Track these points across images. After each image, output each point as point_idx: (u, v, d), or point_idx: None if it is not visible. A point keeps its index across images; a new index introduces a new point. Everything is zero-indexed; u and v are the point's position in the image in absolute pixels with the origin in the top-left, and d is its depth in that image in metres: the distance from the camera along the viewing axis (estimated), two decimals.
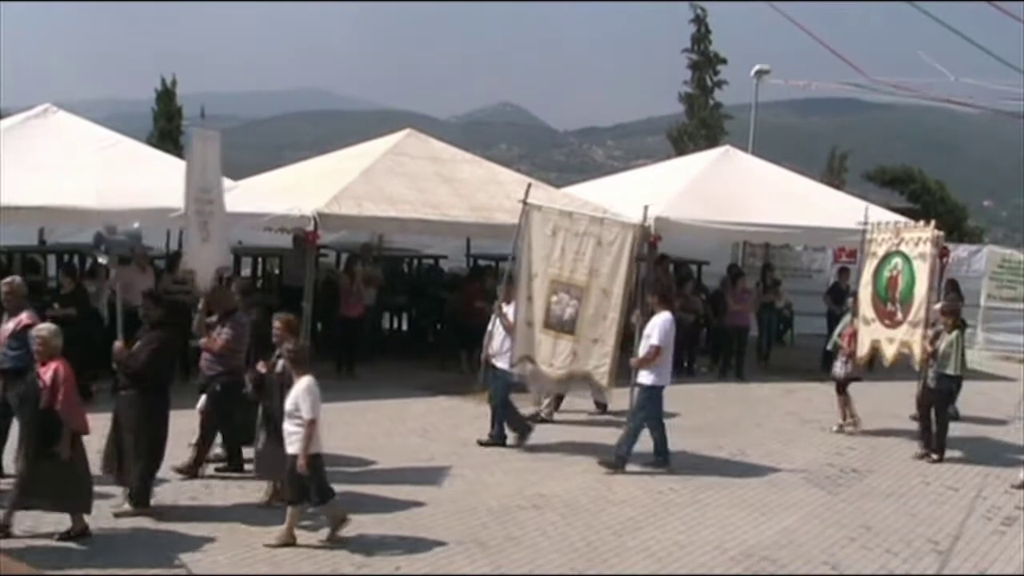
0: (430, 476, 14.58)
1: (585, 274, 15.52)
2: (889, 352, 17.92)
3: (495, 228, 21.63)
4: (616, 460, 15.32)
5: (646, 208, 17.44)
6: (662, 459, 15.58)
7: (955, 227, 42.68)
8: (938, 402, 17.18)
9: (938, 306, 18.16)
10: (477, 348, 21.65)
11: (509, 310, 16.24)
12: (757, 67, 37.46)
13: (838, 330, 19.30)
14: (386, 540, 11.87)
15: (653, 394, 15.49)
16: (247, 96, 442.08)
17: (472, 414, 18.01)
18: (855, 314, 18.75)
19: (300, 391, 11.56)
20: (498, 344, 16.47)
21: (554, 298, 15.66)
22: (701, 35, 52.90)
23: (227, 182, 19.58)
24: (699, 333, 24.61)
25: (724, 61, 52.98)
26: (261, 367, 12.90)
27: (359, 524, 12.17)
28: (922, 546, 12.73)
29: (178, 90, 44.58)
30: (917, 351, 17.28)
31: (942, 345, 16.97)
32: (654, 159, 45.60)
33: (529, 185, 16.85)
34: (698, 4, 52.34)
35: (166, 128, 43.22)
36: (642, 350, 15.36)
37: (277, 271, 25.03)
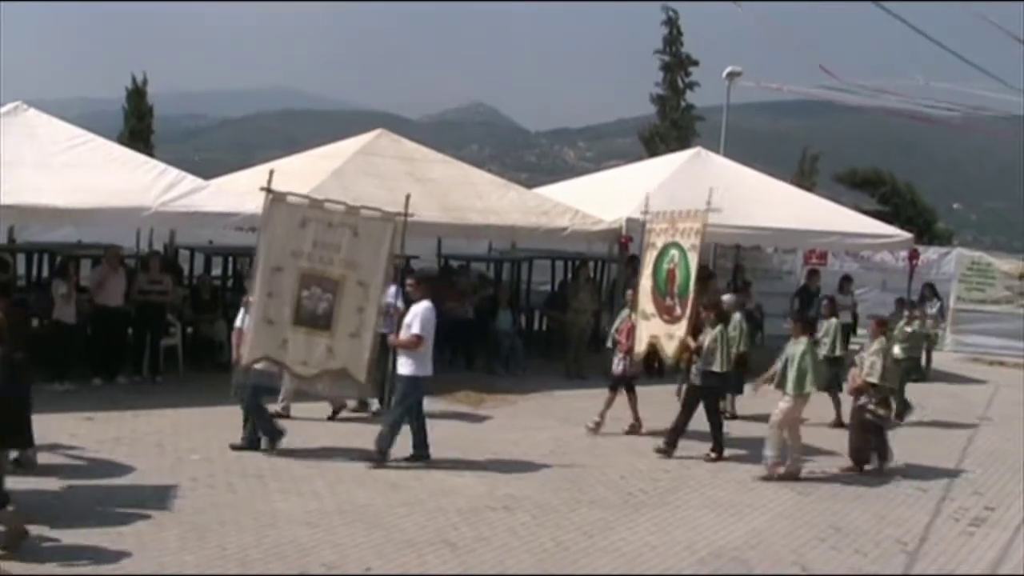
0: (400, 477, 14.56)
1: (340, 267, 14.96)
2: (669, 349, 17.12)
3: (466, 228, 21.68)
4: (377, 455, 15.08)
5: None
6: (420, 454, 15.28)
7: (925, 230, 42.94)
8: (707, 400, 16.70)
9: (727, 297, 18.16)
10: (449, 347, 21.74)
11: None
12: (729, 69, 37.56)
13: (615, 325, 18.52)
14: (356, 540, 11.85)
15: (414, 385, 15.21)
16: (219, 95, 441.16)
17: (443, 414, 17.97)
18: (633, 308, 18.10)
19: None
20: None
21: (305, 292, 14.88)
22: (673, 37, 52.94)
23: (199, 181, 19.62)
24: None
25: (696, 63, 53.03)
26: None
27: (330, 524, 12.20)
28: (891, 547, 12.78)
29: (149, 89, 44.37)
30: (671, 346, 16.97)
31: (706, 340, 16.49)
32: (625, 160, 45.61)
33: (272, 172, 15.66)
34: (670, 6, 52.42)
35: (137, 127, 43.05)
36: (402, 336, 15.14)
37: (248, 270, 24.97)
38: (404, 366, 15.14)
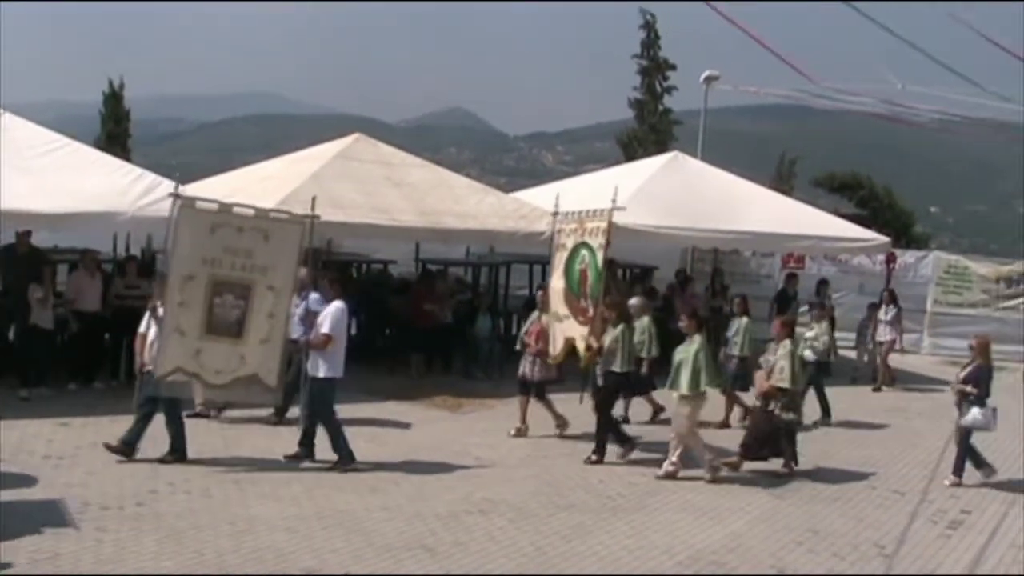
0: (377, 481, 14.55)
1: (251, 271, 14.68)
2: (583, 350, 16.92)
3: (444, 232, 21.65)
4: (344, 460, 15.03)
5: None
6: (345, 456, 15.12)
7: (902, 233, 42.99)
8: (603, 398, 16.62)
9: (634, 300, 18.05)
10: (426, 352, 21.73)
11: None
12: (707, 73, 37.60)
13: (525, 327, 18.38)
14: (334, 545, 11.83)
15: (327, 387, 15.16)
16: (196, 99, 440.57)
17: (422, 418, 17.98)
18: (544, 310, 17.96)
19: None
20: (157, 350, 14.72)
21: (217, 300, 14.53)
22: (651, 41, 52.94)
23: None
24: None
25: (674, 67, 53.02)
26: None
27: (309, 529, 12.18)
28: (868, 550, 12.81)
29: (126, 93, 44.20)
30: (581, 346, 16.81)
31: (608, 340, 16.40)
32: (604, 164, 45.59)
33: (177, 175, 15.38)
34: (647, 8, 52.44)
35: (114, 131, 42.87)
36: (312, 335, 15.10)
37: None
38: (317, 368, 15.07)
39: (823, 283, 26.31)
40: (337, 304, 15.24)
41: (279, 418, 17.17)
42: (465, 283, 26.17)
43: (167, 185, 19.15)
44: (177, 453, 14.73)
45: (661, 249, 27.60)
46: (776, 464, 16.12)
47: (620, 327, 16.52)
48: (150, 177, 19.21)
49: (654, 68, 52.89)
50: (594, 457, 16.24)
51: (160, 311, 14.60)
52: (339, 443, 15.15)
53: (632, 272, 27.22)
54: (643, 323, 17.94)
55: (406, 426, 17.85)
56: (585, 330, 16.89)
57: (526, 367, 17.82)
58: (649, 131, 51.47)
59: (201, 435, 15.87)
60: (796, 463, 16.28)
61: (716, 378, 16.17)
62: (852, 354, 25.66)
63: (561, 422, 17.82)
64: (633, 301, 18.25)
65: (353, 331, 25.98)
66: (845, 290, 29.94)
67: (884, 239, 27.27)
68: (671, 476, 15.53)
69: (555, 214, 18.62)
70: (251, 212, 15.00)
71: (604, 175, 31.50)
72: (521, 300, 26.31)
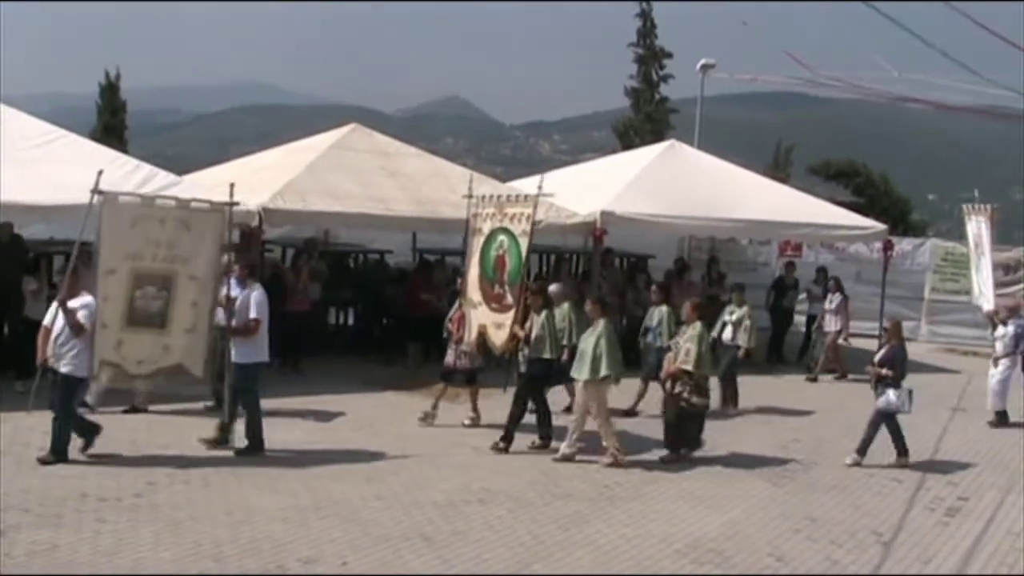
0: (375, 471, 14.56)
1: (172, 262, 14.48)
2: (498, 339, 16.63)
3: (441, 222, 21.63)
4: (252, 447, 15.02)
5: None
6: (254, 444, 15.12)
7: (899, 220, 43.06)
8: (532, 388, 16.39)
9: (554, 287, 17.85)
10: (423, 342, 21.71)
11: (76, 304, 14.18)
12: (703, 61, 37.67)
13: (449, 315, 18.17)
14: (332, 535, 11.83)
15: (251, 372, 15.14)
16: (192, 90, 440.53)
17: (418, 409, 17.94)
18: (463, 297, 17.70)
19: None
20: (64, 344, 14.17)
21: (138, 292, 14.32)
22: (647, 29, 53.02)
23: (172, 176, 19.53)
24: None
25: (670, 55, 53.11)
26: None
27: (306, 519, 12.19)
28: (866, 537, 12.81)
29: (123, 84, 44.18)
30: (495, 335, 16.62)
31: (534, 328, 16.21)
32: (600, 153, 45.66)
33: (100, 172, 14.67)
34: None
35: (110, 122, 42.88)
36: (237, 321, 14.96)
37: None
38: (240, 354, 15.01)
39: (822, 270, 26.31)
40: (258, 288, 15.23)
41: (218, 406, 16.75)
42: (462, 273, 26.16)
43: (164, 176, 19.19)
44: (58, 455, 14.15)
45: (658, 238, 27.63)
46: (773, 456, 16.14)
47: (544, 313, 16.31)
48: (146, 168, 19.21)
49: (650, 57, 52.98)
50: (501, 444, 16.06)
51: (71, 304, 14.13)
52: (255, 430, 15.16)
53: (629, 261, 27.21)
54: (563, 310, 17.45)
55: (403, 416, 17.83)
56: (497, 317, 16.67)
57: (450, 355, 17.71)
58: (645, 120, 51.56)
59: (196, 428, 15.86)
60: (700, 446, 16.18)
61: (617, 365, 15.65)
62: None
63: (476, 416, 17.66)
64: (553, 287, 18.07)
65: (350, 321, 26.20)
66: (842, 278, 29.87)
67: (881, 227, 27.26)
68: (568, 459, 15.45)
69: (469, 198, 18.08)
70: (172, 203, 14.82)
71: (600, 164, 31.57)
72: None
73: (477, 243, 17.43)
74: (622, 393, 17.38)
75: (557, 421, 16.66)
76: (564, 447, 15.64)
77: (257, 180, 21.70)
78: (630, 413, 18.59)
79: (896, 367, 16.02)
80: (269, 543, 11.47)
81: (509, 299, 16.50)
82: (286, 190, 20.48)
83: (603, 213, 23.06)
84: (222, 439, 15.21)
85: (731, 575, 11.44)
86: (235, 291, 15.15)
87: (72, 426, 14.35)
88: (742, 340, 19.69)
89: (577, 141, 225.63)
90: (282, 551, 11.26)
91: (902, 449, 16.22)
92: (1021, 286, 30.11)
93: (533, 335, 16.18)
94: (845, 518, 13.53)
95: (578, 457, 15.56)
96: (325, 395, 18.92)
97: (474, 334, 17.16)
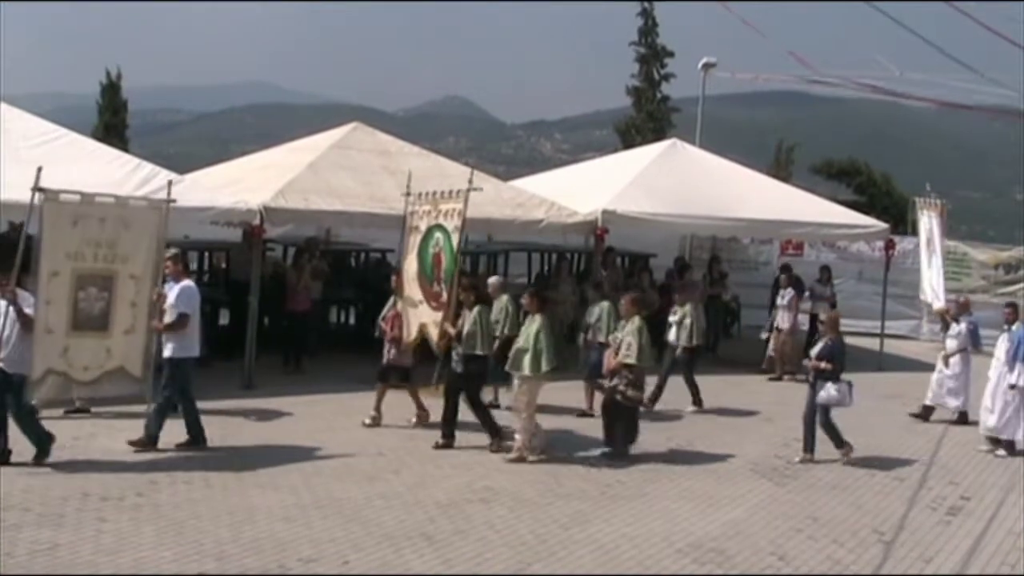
0: (377, 469, 14.56)
1: (113, 262, 14.26)
2: (436, 336, 16.37)
3: None
4: (146, 439, 14.83)
5: None
6: (196, 437, 15.07)
7: (901, 219, 42.96)
8: (469, 388, 16.14)
9: (492, 279, 17.90)
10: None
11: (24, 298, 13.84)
12: (704, 60, 37.62)
13: (383, 313, 17.83)
14: (333, 534, 11.83)
15: (181, 367, 14.96)
16: (194, 90, 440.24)
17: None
18: (399, 295, 17.35)
19: None
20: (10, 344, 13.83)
21: (81, 294, 14.04)
22: (648, 28, 52.96)
23: (174, 175, 19.51)
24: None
25: (671, 54, 53.05)
26: None
27: (308, 518, 12.19)
28: (868, 536, 12.81)
29: (124, 83, 44.13)
30: (433, 332, 16.33)
31: (466, 325, 15.90)
32: (602, 152, 45.67)
33: (39, 169, 14.22)
34: None
35: (111, 121, 42.83)
36: (168, 318, 14.77)
37: (224, 265, 24.88)
38: (169, 349, 14.86)
39: (825, 270, 26.31)
40: (185, 282, 15.07)
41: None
42: (464, 271, 26.14)
43: (165, 175, 19.16)
44: (41, 451, 14.08)
45: (659, 237, 27.66)
46: (775, 454, 16.14)
47: (476, 309, 16.06)
48: (148, 167, 19.20)
49: (652, 56, 52.92)
50: (493, 445, 15.96)
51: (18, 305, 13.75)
52: (194, 424, 15.11)
53: (630, 260, 27.23)
54: (501, 302, 17.46)
55: (404, 415, 17.81)
56: (436, 315, 16.44)
57: (385, 354, 17.46)
58: (647, 119, 51.50)
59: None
60: (633, 442, 16.10)
61: (555, 359, 15.56)
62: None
63: (423, 413, 17.44)
64: (492, 280, 17.97)
65: (352, 320, 26.22)
66: (844, 277, 29.93)
67: (883, 225, 27.25)
68: (521, 460, 15.38)
69: (407, 195, 17.81)
70: (111, 200, 14.60)
71: (602, 163, 31.57)
72: (519, 288, 26.30)
73: (414, 240, 17.22)
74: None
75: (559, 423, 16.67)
76: (519, 446, 15.56)
77: (259, 179, 21.71)
78: (586, 414, 18.27)
79: (835, 360, 15.99)
80: (271, 542, 11.48)
81: (445, 296, 16.33)
82: (288, 189, 20.47)
83: (604, 212, 23.06)
84: (197, 438, 15.16)
85: (733, 574, 11.44)
86: (168, 287, 15.01)
87: (28, 429, 14.13)
88: (683, 340, 19.53)
89: (579, 140, 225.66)
90: (284, 550, 11.26)
91: (810, 445, 16.24)
92: (1021, 285, 30.13)
93: (464, 331, 15.91)
94: (847, 517, 13.53)
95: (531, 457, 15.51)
96: (327, 393, 18.94)
97: (414, 332, 16.95)
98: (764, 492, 14.55)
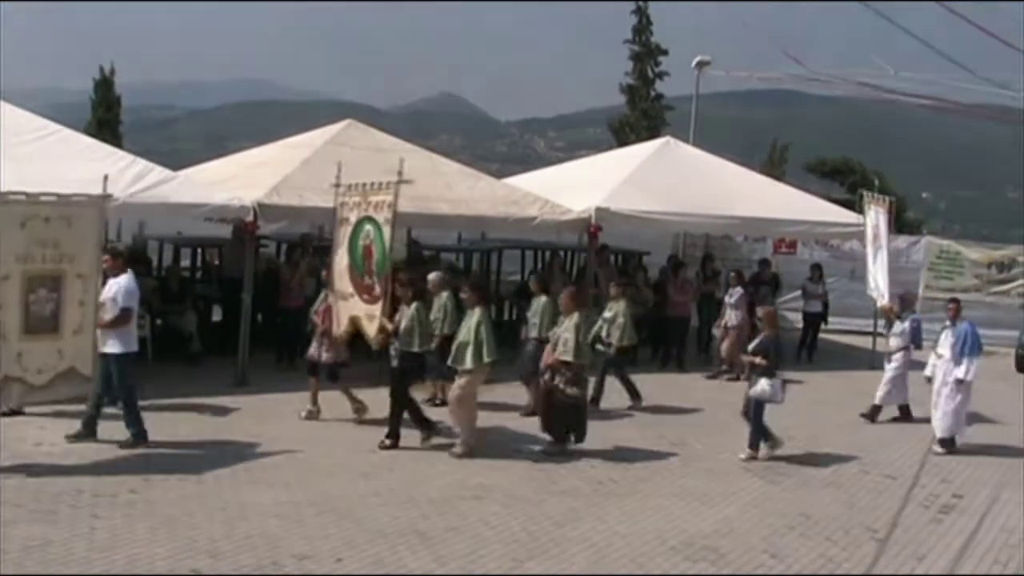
0: (370, 467, 14.57)
1: (60, 261, 13.88)
2: (371, 330, 16.12)
3: (436, 219, 21.62)
4: (132, 440, 14.81)
5: None
6: (136, 436, 14.88)
7: (894, 218, 43.01)
8: (401, 382, 15.94)
9: (432, 275, 17.79)
10: None
11: None
12: (698, 58, 37.65)
13: (314, 307, 17.72)
14: (326, 531, 11.84)
15: (124, 362, 14.84)
16: (188, 86, 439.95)
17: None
18: (329, 288, 17.19)
19: None
20: None
21: (32, 297, 13.65)
22: (642, 26, 53.04)
23: (167, 172, 19.50)
24: (642, 324, 24.60)
25: (665, 52, 53.13)
26: None
27: (301, 515, 12.20)
28: (861, 534, 12.83)
29: (117, 79, 44.08)
30: (368, 327, 16.15)
31: (403, 321, 15.75)
32: (596, 150, 45.62)
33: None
34: None
35: (105, 117, 42.78)
36: (109, 314, 14.62)
37: (217, 262, 24.87)
38: (112, 345, 14.71)
39: (817, 268, 26.37)
40: (124, 277, 14.95)
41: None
42: (457, 269, 26.15)
43: (158, 171, 19.14)
44: None
45: (653, 234, 27.70)
46: (768, 452, 16.15)
47: (414, 305, 15.97)
48: (141, 164, 19.16)
49: (646, 53, 53.01)
50: (387, 442, 15.75)
51: None
52: (133, 419, 14.94)
53: (624, 257, 27.24)
54: (441, 299, 17.48)
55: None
56: (370, 308, 16.19)
57: (314, 348, 17.36)
58: (641, 117, 51.58)
59: (192, 423, 15.86)
60: (582, 439, 16.01)
61: (496, 351, 15.53)
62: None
63: (359, 407, 17.38)
64: (432, 276, 17.89)
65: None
66: (837, 275, 29.93)
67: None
68: (468, 455, 15.33)
69: (337, 186, 17.67)
70: (54, 199, 14.25)
71: (596, 160, 31.56)
72: (513, 286, 26.31)
73: (344, 233, 16.98)
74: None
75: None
76: (460, 445, 15.54)
77: (252, 176, 21.68)
78: (532, 413, 17.72)
79: (771, 356, 16.01)
80: (264, 539, 11.47)
81: (378, 290, 16.03)
82: (281, 186, 20.44)
83: (598, 209, 23.04)
84: (85, 433, 14.98)
85: (726, 573, 11.45)
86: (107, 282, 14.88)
87: None
88: (614, 338, 19.37)
89: (572, 138, 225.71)
90: (277, 547, 11.26)
91: (755, 443, 16.20)
92: (1016, 283, 30.17)
93: (402, 327, 15.77)
94: (840, 515, 13.55)
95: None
96: (321, 390, 18.90)
97: (343, 326, 16.79)
98: (757, 490, 14.56)
